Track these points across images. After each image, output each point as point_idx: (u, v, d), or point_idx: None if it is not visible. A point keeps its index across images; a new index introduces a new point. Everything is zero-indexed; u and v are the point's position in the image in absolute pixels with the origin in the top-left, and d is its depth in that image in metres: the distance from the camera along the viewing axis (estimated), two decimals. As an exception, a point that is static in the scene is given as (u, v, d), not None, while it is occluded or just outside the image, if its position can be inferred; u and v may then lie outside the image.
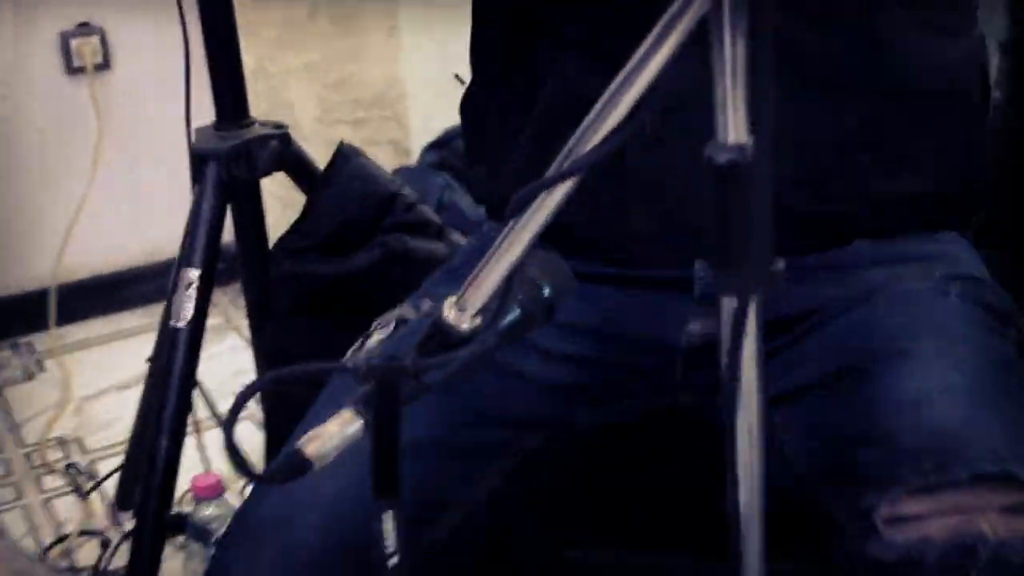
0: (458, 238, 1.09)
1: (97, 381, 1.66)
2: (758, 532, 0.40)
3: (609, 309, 0.73)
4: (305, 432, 0.40)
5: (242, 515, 0.67)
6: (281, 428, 0.95)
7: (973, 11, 0.77)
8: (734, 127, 0.34)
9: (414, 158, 1.82)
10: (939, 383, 0.62)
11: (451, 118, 1.06)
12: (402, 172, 1.66)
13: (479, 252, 0.45)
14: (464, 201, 1.55)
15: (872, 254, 0.73)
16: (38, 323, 1.76)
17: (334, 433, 0.40)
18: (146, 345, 1.21)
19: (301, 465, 0.40)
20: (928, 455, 0.56)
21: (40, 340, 1.78)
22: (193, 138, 1.03)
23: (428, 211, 1.13)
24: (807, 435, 0.66)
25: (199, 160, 1.01)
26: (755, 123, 0.34)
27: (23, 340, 1.81)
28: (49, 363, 1.74)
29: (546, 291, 0.43)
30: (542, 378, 0.72)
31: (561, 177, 0.38)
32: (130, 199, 1.89)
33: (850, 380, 0.65)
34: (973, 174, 0.78)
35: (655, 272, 0.72)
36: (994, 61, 1.38)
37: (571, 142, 0.38)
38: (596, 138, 0.37)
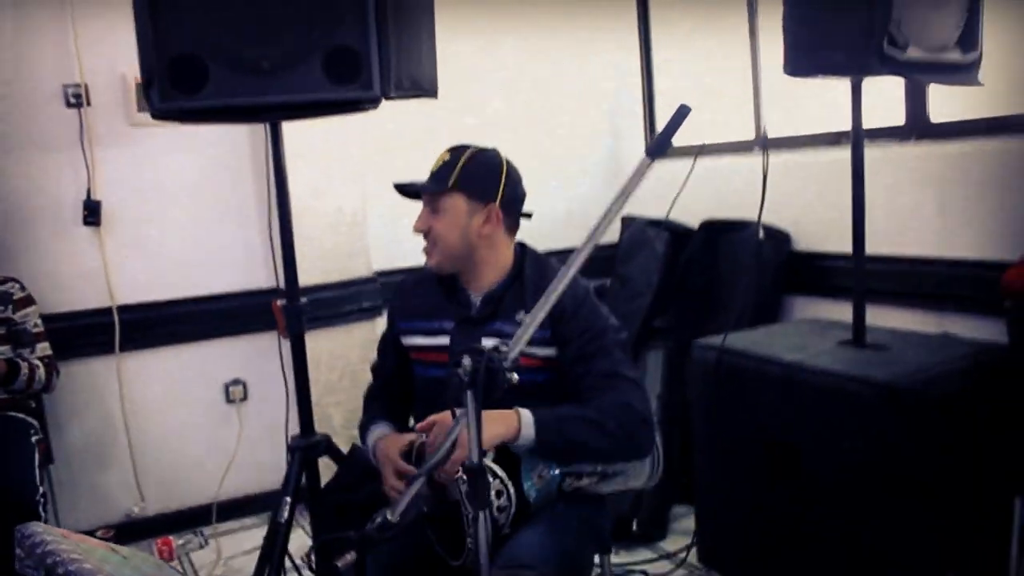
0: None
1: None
2: None
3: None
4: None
5: None
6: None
7: None
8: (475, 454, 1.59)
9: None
10: (529, 537, 1.73)
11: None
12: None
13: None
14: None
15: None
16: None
17: (348, 559, 1.59)
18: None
19: (337, 571, 1.60)
20: (511, 559, 1.69)
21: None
22: (290, 440, 2.31)
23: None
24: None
25: (292, 452, 2.27)
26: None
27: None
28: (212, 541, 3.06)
29: (423, 509, 1.65)
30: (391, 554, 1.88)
31: (418, 475, 1.64)
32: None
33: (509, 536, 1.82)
34: None
35: None
36: (655, 404, 2.77)
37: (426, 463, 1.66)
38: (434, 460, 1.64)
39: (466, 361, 1.30)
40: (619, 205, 1.26)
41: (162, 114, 2.07)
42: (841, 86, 2.44)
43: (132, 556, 1.69)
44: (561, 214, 3.75)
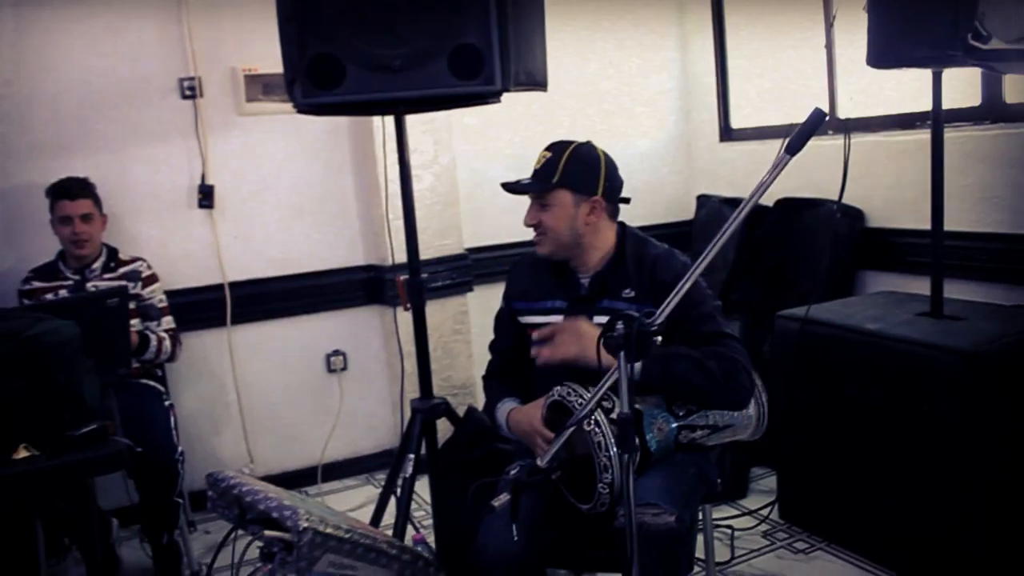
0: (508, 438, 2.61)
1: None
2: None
3: None
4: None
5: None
6: (444, 500, 2.40)
7: None
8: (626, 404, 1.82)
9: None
10: (650, 480, 1.94)
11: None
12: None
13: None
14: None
15: None
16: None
17: (503, 500, 1.83)
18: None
19: (492, 509, 1.83)
20: (636, 497, 1.90)
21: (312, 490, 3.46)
22: (411, 404, 2.55)
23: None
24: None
25: (414, 412, 2.52)
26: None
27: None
28: (317, 500, 3.35)
29: (565, 456, 1.87)
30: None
31: (569, 426, 1.90)
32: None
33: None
34: None
35: None
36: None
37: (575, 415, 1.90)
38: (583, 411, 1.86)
39: (620, 325, 1.52)
40: (758, 196, 1.45)
41: (304, 108, 2.30)
42: (912, 71, 2.60)
43: (306, 500, 1.94)
44: (638, 193, 3.94)
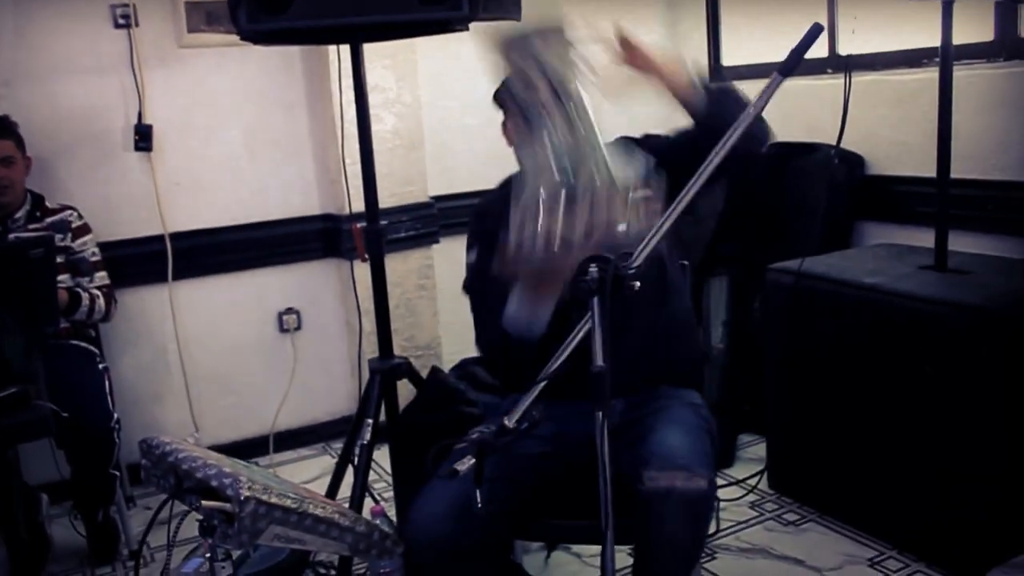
0: (475, 401, 2.56)
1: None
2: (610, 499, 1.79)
3: (560, 418, 2.11)
4: (440, 468, 1.76)
5: (420, 496, 2.01)
6: (407, 472, 2.37)
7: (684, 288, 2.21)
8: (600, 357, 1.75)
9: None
10: (671, 438, 1.97)
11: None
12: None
13: (503, 406, 1.90)
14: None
15: (659, 394, 2.14)
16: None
17: (467, 463, 1.79)
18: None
19: (456, 473, 1.78)
20: (665, 459, 1.91)
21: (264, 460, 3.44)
22: (368, 364, 2.50)
23: (468, 392, 2.61)
24: (627, 452, 2.02)
25: (372, 373, 2.47)
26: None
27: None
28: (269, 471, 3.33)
29: (536, 415, 1.83)
30: (531, 451, 2.10)
31: (540, 380, 1.81)
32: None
33: (644, 438, 1.93)
34: (697, 372, 2.23)
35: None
36: (720, 331, 2.96)
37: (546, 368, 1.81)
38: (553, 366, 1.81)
39: (592, 269, 1.47)
40: (745, 123, 1.40)
41: (249, 35, 2.21)
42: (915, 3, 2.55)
43: (251, 467, 1.89)
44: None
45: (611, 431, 1.52)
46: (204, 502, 1.56)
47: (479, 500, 1.61)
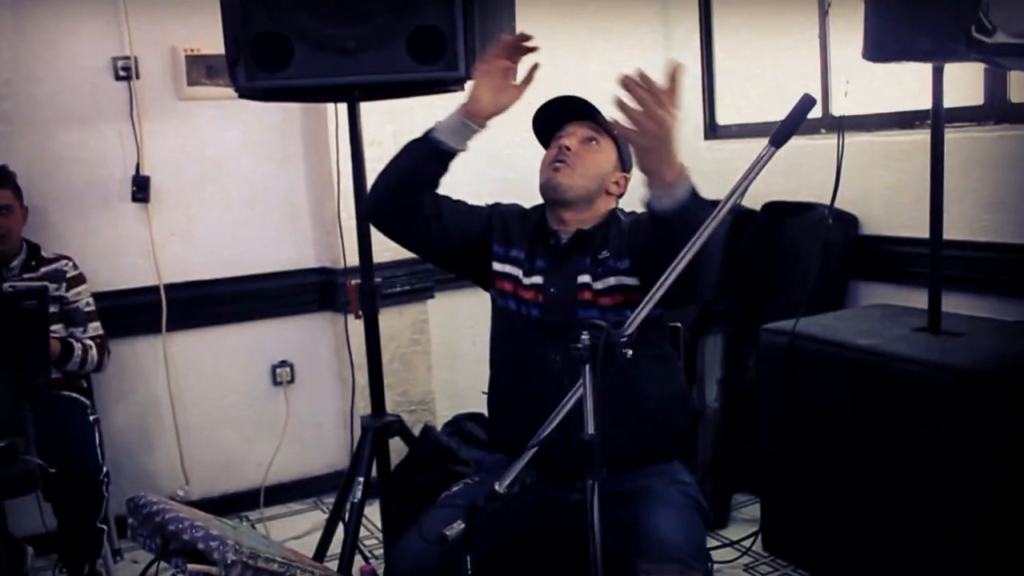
0: (466, 460, 2.54)
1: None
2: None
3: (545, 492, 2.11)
4: (426, 528, 1.74)
5: (404, 546, 1.99)
6: (396, 527, 2.35)
7: (672, 355, 2.19)
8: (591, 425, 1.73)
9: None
10: (664, 524, 1.98)
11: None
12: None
13: (494, 466, 1.90)
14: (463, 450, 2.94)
15: (644, 473, 2.13)
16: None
17: (457, 529, 1.77)
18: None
19: (445, 539, 1.77)
20: (658, 550, 1.89)
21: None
22: (361, 421, 2.49)
23: (457, 450, 2.59)
24: (617, 531, 2.01)
25: (364, 431, 2.46)
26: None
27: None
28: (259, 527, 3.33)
29: (527, 480, 1.82)
30: (521, 507, 2.06)
31: (531, 447, 1.80)
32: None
33: (635, 521, 1.89)
34: (683, 446, 2.22)
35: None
36: (715, 390, 2.95)
37: (537, 434, 1.80)
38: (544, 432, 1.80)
39: (585, 336, 1.47)
40: (741, 191, 1.41)
41: (247, 92, 2.24)
42: (911, 66, 2.59)
43: (238, 527, 1.87)
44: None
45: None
46: (190, 565, 1.54)
47: (469, 566, 1.59)
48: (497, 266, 2.12)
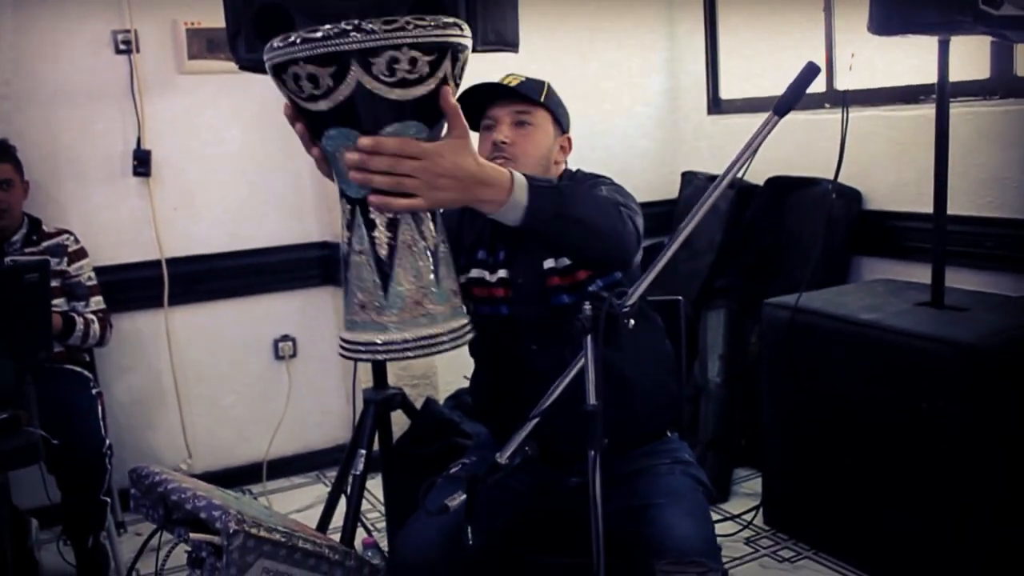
0: (468, 432, 2.55)
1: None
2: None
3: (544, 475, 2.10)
4: (428, 502, 1.75)
5: (409, 526, 2.00)
6: (399, 500, 2.35)
7: (661, 334, 2.17)
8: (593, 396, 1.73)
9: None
10: (679, 521, 1.95)
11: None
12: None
13: (488, 442, 1.90)
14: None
15: (642, 451, 2.12)
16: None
17: (458, 499, 1.78)
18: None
19: (447, 509, 1.77)
20: (674, 550, 1.80)
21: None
22: (363, 394, 2.50)
23: (459, 423, 2.60)
24: (627, 529, 1.96)
25: (366, 404, 2.46)
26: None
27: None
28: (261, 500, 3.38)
29: (528, 450, 1.83)
30: (520, 486, 2.08)
31: (532, 417, 1.80)
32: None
33: (645, 515, 1.84)
34: (672, 413, 2.19)
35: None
36: (717, 365, 2.95)
37: (539, 405, 1.80)
38: (546, 403, 1.80)
39: (587, 306, 1.47)
40: (744, 162, 1.40)
41: (248, 65, 2.22)
42: (916, 40, 2.57)
43: (241, 498, 1.88)
44: (616, 170, 3.90)
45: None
46: (192, 534, 1.55)
47: (470, 536, 1.59)
48: (463, 279, 1.93)
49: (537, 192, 1.42)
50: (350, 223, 1.37)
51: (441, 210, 1.44)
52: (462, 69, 1.37)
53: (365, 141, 1.27)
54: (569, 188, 1.62)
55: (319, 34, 1.24)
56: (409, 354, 1.37)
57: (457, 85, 1.37)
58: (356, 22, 1.21)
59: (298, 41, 1.25)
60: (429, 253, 1.39)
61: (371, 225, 1.35)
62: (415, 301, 1.37)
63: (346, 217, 1.38)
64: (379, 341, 1.36)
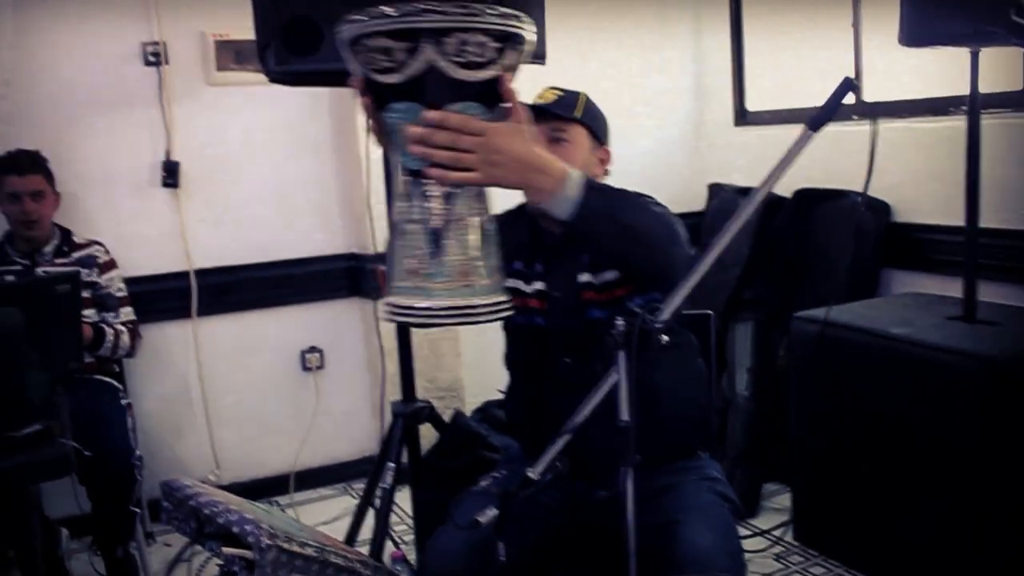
0: (496, 446, 2.55)
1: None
2: None
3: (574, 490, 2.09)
4: (458, 516, 1.74)
5: (437, 539, 2.00)
6: (427, 513, 2.35)
7: (694, 351, 2.18)
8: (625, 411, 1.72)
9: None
10: (704, 537, 1.94)
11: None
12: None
13: (519, 456, 1.89)
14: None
15: (669, 469, 2.09)
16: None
17: (489, 514, 1.78)
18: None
19: (478, 524, 1.77)
20: (697, 564, 1.82)
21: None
22: (391, 407, 2.50)
23: (487, 436, 2.60)
24: (653, 545, 1.90)
25: (395, 416, 2.47)
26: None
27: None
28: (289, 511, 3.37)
29: (560, 466, 1.82)
30: (551, 501, 2.07)
31: (564, 432, 1.80)
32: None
33: (665, 529, 1.81)
34: (704, 433, 2.18)
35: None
36: (745, 378, 2.93)
37: (567, 424, 1.80)
38: (578, 419, 1.79)
39: (619, 321, 1.46)
40: (777, 175, 1.40)
41: (277, 77, 2.24)
42: (945, 51, 2.55)
43: (271, 511, 1.88)
44: (642, 182, 3.89)
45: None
46: (225, 548, 1.55)
47: (502, 552, 1.59)
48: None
49: (592, 189, 1.47)
50: (408, 194, 1.42)
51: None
52: (520, 62, 1.42)
53: (432, 114, 1.33)
54: (624, 193, 1.64)
55: (397, 11, 1.30)
56: (449, 321, 1.43)
57: (514, 76, 1.42)
58: (433, 4, 1.29)
59: (377, 15, 1.31)
60: (479, 229, 1.43)
61: (427, 197, 1.40)
62: (461, 272, 1.42)
63: (405, 188, 1.43)
64: (422, 306, 1.41)
